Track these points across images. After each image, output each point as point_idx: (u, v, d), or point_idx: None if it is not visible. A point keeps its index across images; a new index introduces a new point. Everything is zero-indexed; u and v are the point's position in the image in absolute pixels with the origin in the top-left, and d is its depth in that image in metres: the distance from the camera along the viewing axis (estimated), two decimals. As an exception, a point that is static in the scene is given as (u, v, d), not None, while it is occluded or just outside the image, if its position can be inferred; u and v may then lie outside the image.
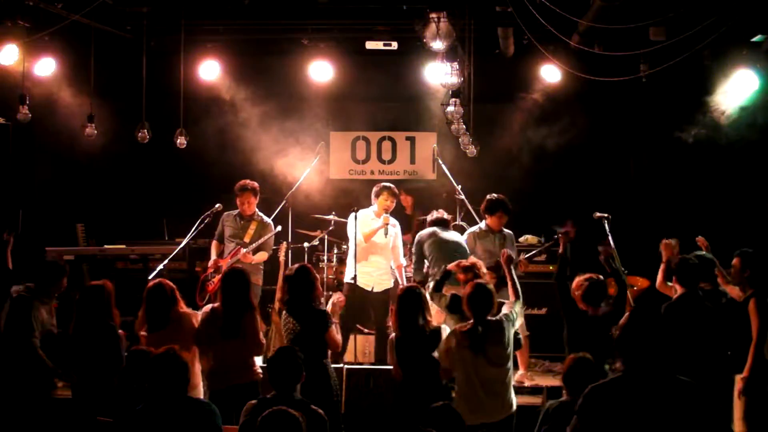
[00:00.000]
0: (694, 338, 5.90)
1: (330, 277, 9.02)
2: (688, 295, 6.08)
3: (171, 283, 6.31)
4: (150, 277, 8.12)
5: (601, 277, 6.14)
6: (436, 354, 5.85)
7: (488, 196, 8.03)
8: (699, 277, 6.17)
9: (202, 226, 8.29)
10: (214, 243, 8.55)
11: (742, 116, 8.99)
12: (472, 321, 5.73)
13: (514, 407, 5.76)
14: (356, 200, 9.24)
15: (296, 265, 6.45)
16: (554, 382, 7.75)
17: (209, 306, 6.26)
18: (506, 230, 8.08)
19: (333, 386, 6.15)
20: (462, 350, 5.67)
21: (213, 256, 8.48)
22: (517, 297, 6.10)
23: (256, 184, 8.50)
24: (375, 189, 8.40)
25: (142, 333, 6.19)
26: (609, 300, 6.14)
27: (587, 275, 6.12)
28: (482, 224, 8.07)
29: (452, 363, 5.72)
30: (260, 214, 8.51)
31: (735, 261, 6.25)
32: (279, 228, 8.56)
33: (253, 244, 8.27)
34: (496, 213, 7.89)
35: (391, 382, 6.14)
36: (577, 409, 3.95)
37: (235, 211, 8.47)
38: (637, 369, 3.84)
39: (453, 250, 7.66)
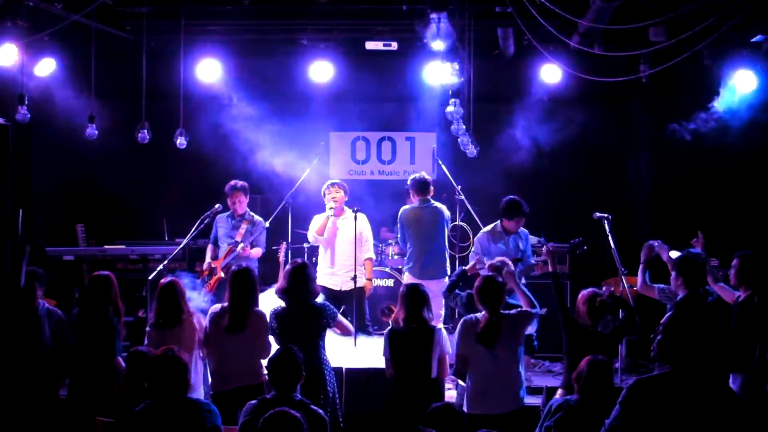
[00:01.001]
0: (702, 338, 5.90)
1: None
2: (693, 296, 6.09)
3: (182, 283, 6.33)
4: (150, 278, 8.16)
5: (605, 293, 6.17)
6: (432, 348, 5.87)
7: (507, 199, 7.88)
8: (704, 278, 6.19)
9: (202, 226, 8.32)
10: (209, 246, 8.66)
11: (741, 116, 8.98)
12: (486, 314, 5.79)
13: (524, 401, 5.82)
14: (356, 200, 9.23)
15: (297, 261, 6.30)
16: (554, 382, 7.74)
17: (218, 305, 6.22)
18: (522, 229, 8.03)
19: (332, 385, 6.11)
20: (473, 341, 5.76)
21: (207, 259, 8.58)
22: (532, 307, 6.13)
23: (245, 183, 8.56)
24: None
25: (149, 329, 6.17)
26: (610, 317, 6.19)
27: (591, 290, 6.13)
28: (497, 224, 7.98)
29: (466, 351, 5.81)
30: (252, 213, 8.57)
31: (734, 262, 6.26)
32: (267, 224, 8.57)
33: (246, 241, 8.33)
34: (514, 218, 7.81)
35: (389, 383, 6.12)
36: (620, 400, 4.03)
37: (227, 213, 8.56)
38: (684, 367, 3.94)
39: (428, 229, 8.08)
